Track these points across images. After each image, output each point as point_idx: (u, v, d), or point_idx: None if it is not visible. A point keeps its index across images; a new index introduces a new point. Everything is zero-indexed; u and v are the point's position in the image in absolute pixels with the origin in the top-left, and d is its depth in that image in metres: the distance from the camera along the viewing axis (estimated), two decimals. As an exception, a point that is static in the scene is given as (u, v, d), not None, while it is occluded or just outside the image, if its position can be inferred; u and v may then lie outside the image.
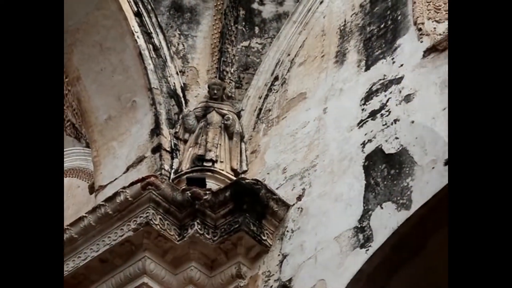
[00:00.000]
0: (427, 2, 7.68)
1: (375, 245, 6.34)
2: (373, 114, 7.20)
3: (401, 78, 7.21)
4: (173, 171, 8.02)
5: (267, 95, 8.49)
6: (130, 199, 6.85)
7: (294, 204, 7.23)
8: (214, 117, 8.28)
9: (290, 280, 6.80)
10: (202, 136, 8.16)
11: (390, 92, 7.21)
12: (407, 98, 7.02)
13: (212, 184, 7.67)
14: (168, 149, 8.13)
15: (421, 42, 7.29)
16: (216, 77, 8.80)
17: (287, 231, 7.12)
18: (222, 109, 8.37)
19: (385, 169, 6.71)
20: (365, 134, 7.10)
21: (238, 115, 8.45)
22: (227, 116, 8.27)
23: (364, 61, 7.72)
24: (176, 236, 7.12)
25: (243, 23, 9.23)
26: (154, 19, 8.87)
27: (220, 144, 8.09)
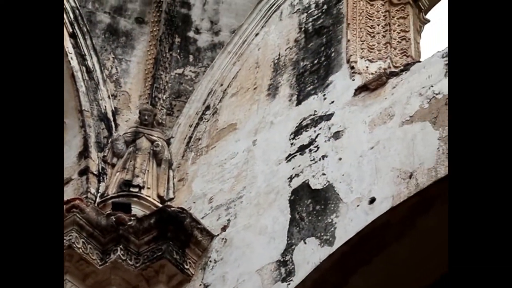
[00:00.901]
0: (361, 41, 7.80)
1: (297, 279, 6.34)
2: (301, 149, 7.24)
3: (331, 114, 7.28)
4: (99, 195, 7.94)
5: (197, 124, 8.49)
6: (53, 221, 6.68)
7: (218, 235, 7.22)
8: (143, 143, 8.25)
9: (211, 310, 6.81)
10: (131, 161, 8.11)
11: (320, 128, 7.27)
12: (336, 135, 7.08)
13: (137, 210, 7.61)
14: (95, 173, 8.06)
15: (353, 80, 7.40)
16: (148, 102, 8.78)
17: (210, 261, 7.09)
18: (152, 135, 8.34)
19: (310, 204, 6.74)
20: (293, 168, 7.13)
21: (168, 142, 8.43)
22: (156, 142, 8.25)
23: (296, 96, 7.79)
24: (98, 261, 7.05)
25: (178, 51, 9.24)
26: (89, 41, 8.83)
27: (148, 170, 8.05)
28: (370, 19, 8.06)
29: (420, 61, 7.30)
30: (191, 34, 9.39)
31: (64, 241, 6.79)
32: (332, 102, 7.37)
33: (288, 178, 7.08)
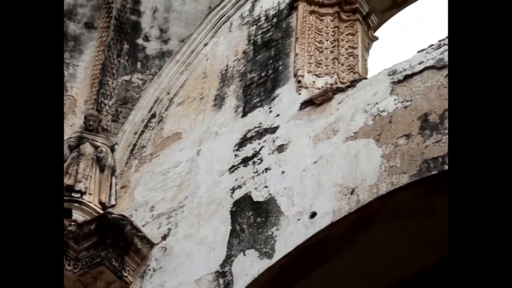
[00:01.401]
0: (309, 56, 7.84)
1: (235, 291, 6.35)
2: (245, 161, 7.26)
3: (276, 127, 7.30)
4: (40, 199, 7.84)
5: (142, 132, 8.46)
6: (-10, 224, 6.60)
7: (158, 243, 7.19)
8: (87, 148, 8.18)
9: (147, 318, 6.79)
10: (73, 166, 8.04)
11: (264, 141, 7.28)
12: (280, 148, 7.10)
13: (78, 216, 7.55)
14: (37, 176, 7.95)
15: (299, 94, 7.42)
16: (93, 108, 8.72)
17: (149, 269, 7.06)
18: (96, 141, 8.28)
19: (251, 217, 6.75)
20: (236, 180, 7.13)
21: (112, 148, 8.38)
22: (100, 148, 8.19)
23: (242, 107, 7.79)
24: (36, 265, 6.95)
25: (126, 57, 9.20)
26: (36, 44, 8.72)
27: (91, 176, 7.99)
28: (319, 34, 8.11)
29: (366, 78, 7.34)
30: (140, 41, 9.37)
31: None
32: (278, 115, 7.39)
33: (231, 189, 7.08)
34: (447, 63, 6.34)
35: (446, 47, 6.47)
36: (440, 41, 6.65)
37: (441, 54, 6.50)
